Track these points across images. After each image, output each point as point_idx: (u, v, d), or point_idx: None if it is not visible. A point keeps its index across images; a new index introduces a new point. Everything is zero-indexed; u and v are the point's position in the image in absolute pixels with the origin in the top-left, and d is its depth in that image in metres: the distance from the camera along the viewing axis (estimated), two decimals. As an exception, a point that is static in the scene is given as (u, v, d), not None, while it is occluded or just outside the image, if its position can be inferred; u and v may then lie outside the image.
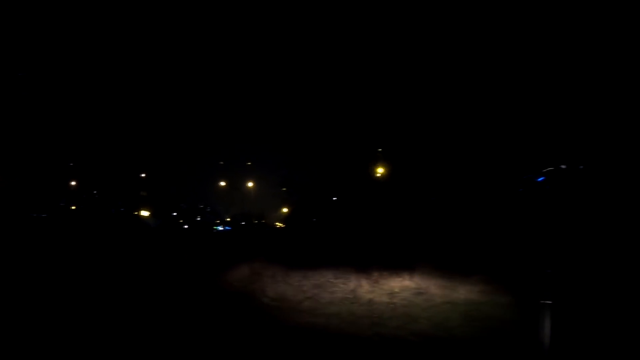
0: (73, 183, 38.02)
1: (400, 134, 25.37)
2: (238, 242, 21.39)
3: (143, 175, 39.86)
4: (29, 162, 34.72)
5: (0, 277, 11.97)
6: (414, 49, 24.67)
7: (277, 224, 38.65)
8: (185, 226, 39.76)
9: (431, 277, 11.37)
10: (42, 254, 15.56)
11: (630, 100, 17.35)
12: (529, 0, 20.91)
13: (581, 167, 18.03)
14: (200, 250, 17.62)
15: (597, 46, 18.46)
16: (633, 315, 8.35)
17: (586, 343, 7.60)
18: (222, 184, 38.34)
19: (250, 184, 36.90)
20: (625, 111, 17.44)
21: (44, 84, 35.00)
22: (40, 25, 33.98)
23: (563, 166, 18.61)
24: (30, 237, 20.10)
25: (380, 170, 26.74)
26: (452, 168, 22.56)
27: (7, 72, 32.64)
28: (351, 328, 9.08)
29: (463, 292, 10.57)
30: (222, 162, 38.30)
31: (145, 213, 38.78)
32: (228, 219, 42.87)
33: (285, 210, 35.86)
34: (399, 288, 10.90)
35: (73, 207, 37.20)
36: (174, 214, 42.81)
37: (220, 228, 40.04)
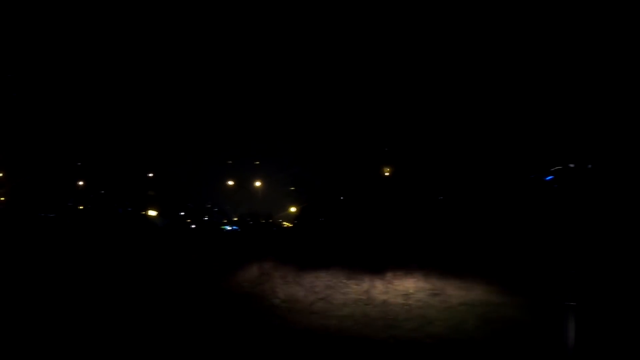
0: (81, 183, 38.04)
1: (408, 133, 25.20)
2: (246, 242, 21.17)
3: (150, 175, 39.80)
4: (37, 162, 34.80)
5: (10, 277, 11.86)
6: (423, 48, 24.55)
7: (284, 223, 38.44)
8: (193, 226, 39.66)
9: (446, 278, 11.11)
10: (50, 253, 15.41)
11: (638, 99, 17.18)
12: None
13: (590, 165, 17.91)
14: (209, 251, 17.37)
15: (606, 45, 18.32)
16: None
17: (609, 345, 7.33)
18: (230, 183, 38.14)
19: (258, 183, 36.67)
20: (634, 110, 17.28)
21: (52, 84, 35.01)
22: (47, 25, 33.95)
23: (571, 165, 18.50)
24: (38, 236, 20.01)
25: (387, 169, 26.51)
26: (461, 167, 22.41)
27: (15, 73, 32.67)
28: (365, 330, 8.81)
29: (479, 293, 10.31)
30: (230, 162, 38.12)
31: (152, 213, 38.71)
32: (235, 219, 42.70)
33: (293, 209, 35.62)
34: (414, 289, 10.63)
35: (81, 207, 37.21)
36: (182, 213, 42.67)
37: (228, 228, 39.87)
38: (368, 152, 26.42)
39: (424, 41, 24.26)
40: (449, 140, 23.19)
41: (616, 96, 17.94)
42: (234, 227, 39.54)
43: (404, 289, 10.66)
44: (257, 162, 36.90)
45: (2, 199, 31.94)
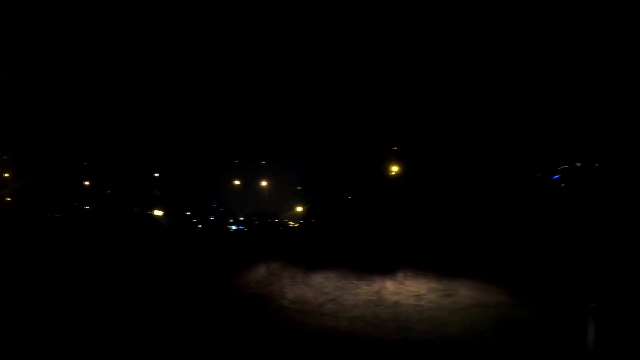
0: (87, 183, 38.03)
1: (417, 132, 25.17)
2: (254, 241, 21.03)
3: (156, 174, 39.73)
4: (43, 162, 34.80)
5: (16, 277, 11.68)
6: (431, 48, 24.57)
7: (290, 223, 38.31)
8: (199, 225, 39.59)
9: (458, 278, 10.89)
10: (57, 253, 15.30)
11: None
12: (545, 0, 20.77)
13: (596, 164, 17.83)
14: (215, 251, 17.23)
15: (612, 46, 18.27)
16: None
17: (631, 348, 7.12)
18: (237, 182, 38.02)
19: (264, 183, 36.52)
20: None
21: (59, 85, 35.02)
22: (54, 26, 33.99)
23: (578, 164, 18.42)
24: (44, 236, 19.97)
25: (395, 169, 26.42)
26: (469, 166, 22.37)
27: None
28: (376, 332, 8.59)
29: (492, 294, 10.08)
30: (237, 161, 38.01)
31: (158, 212, 38.66)
32: (241, 218, 42.62)
33: (299, 209, 35.46)
34: (426, 290, 10.42)
35: (87, 207, 37.22)
36: (188, 213, 42.62)
37: (234, 227, 39.81)
38: (376, 150, 26.33)
39: (433, 42, 24.32)
40: (457, 139, 23.16)
41: (622, 95, 17.92)
42: (240, 227, 39.47)
43: (415, 290, 10.45)
44: (264, 162, 36.74)
45: (8, 199, 31.96)
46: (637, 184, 15.74)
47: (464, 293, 10.21)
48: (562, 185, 18.99)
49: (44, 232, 22.14)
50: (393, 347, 7.93)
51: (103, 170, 37.93)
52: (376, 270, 11.53)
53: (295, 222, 37.00)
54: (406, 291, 10.44)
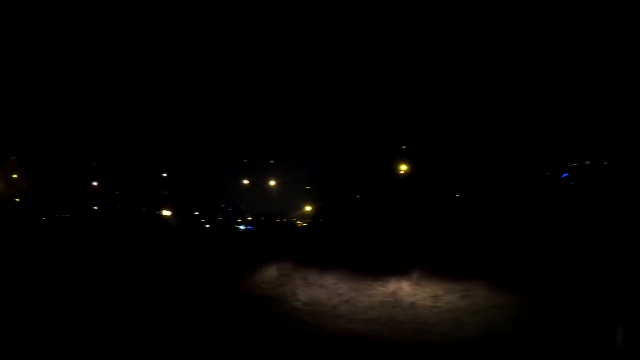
0: (95, 183, 38.05)
1: (426, 131, 25.08)
2: (264, 241, 20.83)
3: (165, 174, 39.67)
4: (51, 163, 34.86)
5: (25, 277, 11.66)
6: (439, 48, 24.52)
7: (299, 222, 38.12)
8: (207, 225, 39.50)
9: (474, 278, 10.61)
10: (66, 253, 15.20)
11: None
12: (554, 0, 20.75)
13: (605, 162, 17.73)
14: (224, 251, 17.03)
15: (620, 46, 18.21)
16: None
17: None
18: (245, 182, 37.86)
19: (273, 182, 36.33)
20: None
21: (67, 85, 35.04)
22: (64, 27, 34.00)
23: (587, 162, 18.32)
24: (51, 236, 19.96)
25: (404, 168, 26.23)
26: (478, 165, 22.29)
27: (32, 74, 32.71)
28: (393, 335, 8.30)
29: (509, 294, 9.78)
30: (245, 160, 37.82)
31: (167, 212, 38.62)
32: (249, 218, 42.49)
33: (308, 208, 35.27)
34: (442, 290, 10.13)
35: (95, 207, 37.25)
36: (196, 213, 42.54)
37: (242, 227, 39.67)
38: (386, 150, 26.18)
39: (443, 43, 24.26)
40: (467, 139, 23.09)
41: (631, 94, 17.85)
42: (249, 227, 39.33)
43: (431, 291, 10.18)
44: (272, 161, 36.52)
45: (17, 199, 32.02)
46: None
47: (481, 294, 9.94)
48: (571, 183, 18.89)
49: (50, 231, 22.15)
50: (410, 351, 7.67)
51: (111, 170, 37.94)
52: (391, 270, 11.25)
53: (304, 222, 36.83)
54: (422, 292, 10.17)
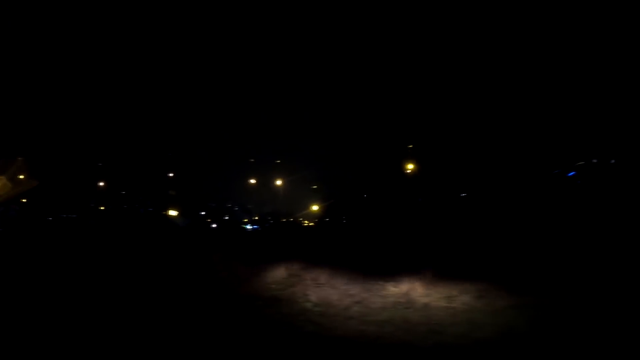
0: (102, 184, 38.04)
1: (433, 130, 24.99)
2: (271, 241, 20.60)
3: (171, 174, 39.63)
4: (57, 163, 34.88)
5: (31, 277, 11.60)
6: (448, 48, 24.49)
7: (305, 222, 37.93)
8: (213, 225, 39.36)
9: (488, 278, 10.32)
10: (72, 254, 15.07)
11: None
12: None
13: (613, 160, 17.63)
14: (233, 251, 16.82)
15: (628, 45, 18.10)
16: None
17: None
18: (252, 181, 37.74)
19: (279, 182, 36.20)
20: None
21: (73, 85, 35.09)
22: (70, 28, 34.06)
23: (594, 160, 18.25)
24: (60, 236, 19.91)
25: (411, 167, 26.09)
26: (486, 163, 22.20)
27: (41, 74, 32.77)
28: (407, 337, 8.06)
29: (527, 294, 9.49)
30: (252, 160, 37.71)
31: (173, 212, 38.54)
32: (255, 218, 42.37)
33: (315, 207, 35.08)
34: (457, 290, 9.84)
35: (102, 208, 37.22)
36: (202, 213, 42.44)
37: (249, 227, 39.50)
38: (394, 148, 26.07)
39: (451, 42, 24.21)
40: (475, 137, 23.00)
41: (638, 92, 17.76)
42: (255, 227, 39.17)
43: (446, 291, 9.89)
44: (278, 161, 36.40)
45: (24, 200, 32.01)
46: None
47: (497, 294, 9.65)
48: (579, 182, 18.76)
49: (57, 231, 22.14)
50: (425, 353, 7.46)
51: (118, 170, 37.96)
52: (402, 270, 10.97)
53: (310, 221, 36.66)
54: (436, 292, 9.90)
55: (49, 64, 33.86)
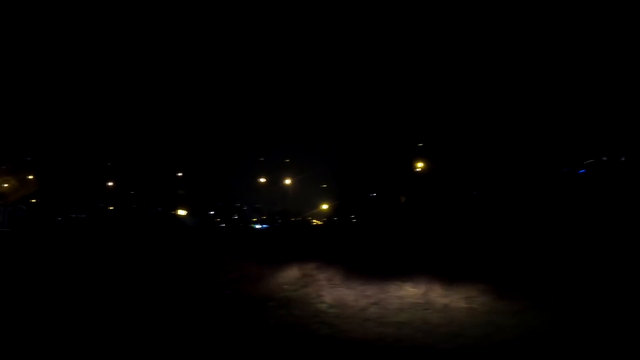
0: (111, 183, 38.10)
1: (444, 128, 24.86)
2: (283, 241, 20.38)
3: (180, 174, 39.60)
4: (67, 163, 34.98)
5: (41, 277, 11.54)
6: (458, 47, 24.44)
7: (314, 221, 37.76)
8: (222, 225, 39.28)
9: (508, 278, 10.06)
10: (82, 253, 14.94)
11: None
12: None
13: (623, 158, 17.49)
14: (243, 250, 16.61)
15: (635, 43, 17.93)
16: None
17: None
18: (262, 180, 37.63)
19: (289, 181, 36.06)
20: None
21: (82, 86, 35.16)
22: (79, 29, 34.14)
23: (604, 158, 18.16)
24: (70, 237, 19.87)
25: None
26: (494, 162, 22.08)
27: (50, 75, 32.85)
28: (427, 339, 7.82)
29: (548, 294, 9.21)
30: (262, 159, 37.60)
31: (182, 212, 38.54)
32: (264, 217, 42.27)
33: (325, 206, 34.91)
34: (476, 291, 9.56)
35: (111, 208, 37.27)
36: (211, 212, 42.40)
37: (258, 226, 39.37)
38: (405, 147, 25.93)
39: (462, 42, 24.14)
40: (485, 136, 22.87)
41: None
42: (264, 226, 39.05)
43: (465, 291, 9.61)
44: (288, 160, 36.25)
45: (33, 200, 32.08)
46: None
47: (517, 295, 9.37)
48: (589, 179, 18.61)
49: (66, 231, 22.16)
50: (447, 356, 7.24)
51: (127, 170, 37.99)
52: (420, 270, 10.68)
53: (320, 220, 36.51)
54: (455, 293, 9.62)
55: (59, 66, 33.97)
